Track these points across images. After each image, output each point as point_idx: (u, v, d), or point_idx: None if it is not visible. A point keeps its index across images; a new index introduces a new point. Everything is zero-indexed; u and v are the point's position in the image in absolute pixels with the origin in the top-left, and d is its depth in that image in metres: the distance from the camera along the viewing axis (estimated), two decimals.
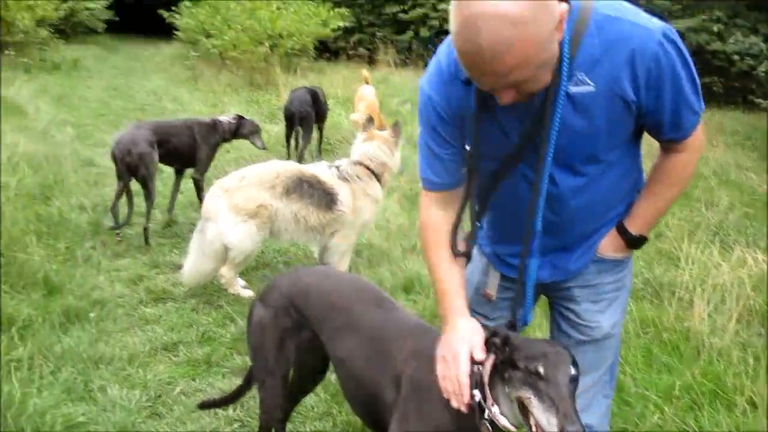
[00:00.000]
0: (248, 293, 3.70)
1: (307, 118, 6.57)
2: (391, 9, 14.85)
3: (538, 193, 1.49)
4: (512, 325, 1.62)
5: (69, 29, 16.70)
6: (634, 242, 1.66)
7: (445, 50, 1.53)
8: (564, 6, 1.23)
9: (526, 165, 1.51)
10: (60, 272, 3.60)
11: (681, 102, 1.44)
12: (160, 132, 4.55)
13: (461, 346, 1.48)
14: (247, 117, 4.94)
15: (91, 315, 3.27)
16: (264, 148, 5.18)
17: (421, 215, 1.70)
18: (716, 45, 12.38)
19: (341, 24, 13.10)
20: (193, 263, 3.62)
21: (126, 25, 21.00)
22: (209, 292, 3.72)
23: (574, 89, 1.38)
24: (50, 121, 7.55)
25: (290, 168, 3.75)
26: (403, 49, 14.61)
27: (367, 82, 7.79)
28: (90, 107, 9.28)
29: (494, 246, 1.77)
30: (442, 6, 13.79)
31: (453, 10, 1.22)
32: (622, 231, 1.64)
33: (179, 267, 3.96)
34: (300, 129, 6.62)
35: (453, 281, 1.61)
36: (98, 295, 3.49)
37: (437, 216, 1.65)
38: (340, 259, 3.86)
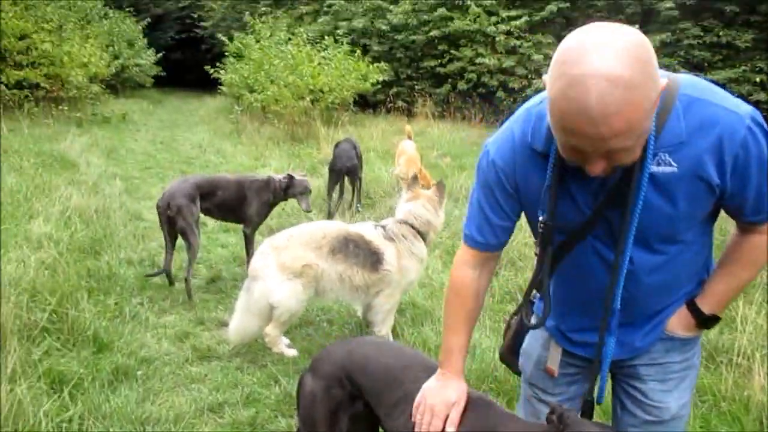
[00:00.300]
0: (292, 352, 3.70)
1: (353, 170, 6.82)
2: (429, 63, 15.10)
3: (618, 272, 1.47)
4: (588, 404, 1.59)
5: (119, 84, 17.44)
6: (706, 322, 1.61)
7: (520, 118, 1.54)
8: (665, 79, 1.23)
9: (596, 239, 1.50)
10: (109, 329, 3.65)
11: (766, 186, 1.41)
12: (204, 186, 4.66)
13: (442, 409, 1.63)
14: (298, 176, 4.98)
15: (139, 373, 3.30)
16: (308, 211, 5.17)
17: (453, 269, 1.74)
18: (760, 96, 12.23)
19: (380, 78, 13.37)
20: (239, 321, 3.64)
21: (172, 79, 21.86)
22: (254, 350, 3.72)
23: (656, 169, 1.37)
24: (100, 174, 7.80)
25: (337, 228, 3.78)
26: (440, 101, 14.80)
27: (410, 137, 7.87)
28: (137, 160, 9.59)
29: (557, 320, 1.74)
30: (479, 60, 13.99)
31: (556, 70, 1.19)
32: (694, 310, 1.60)
33: (224, 324, 3.99)
34: (347, 180, 6.92)
35: (461, 342, 1.71)
36: (145, 352, 3.53)
37: (469, 275, 1.69)
38: (384, 318, 3.84)
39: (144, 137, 11.88)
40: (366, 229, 3.81)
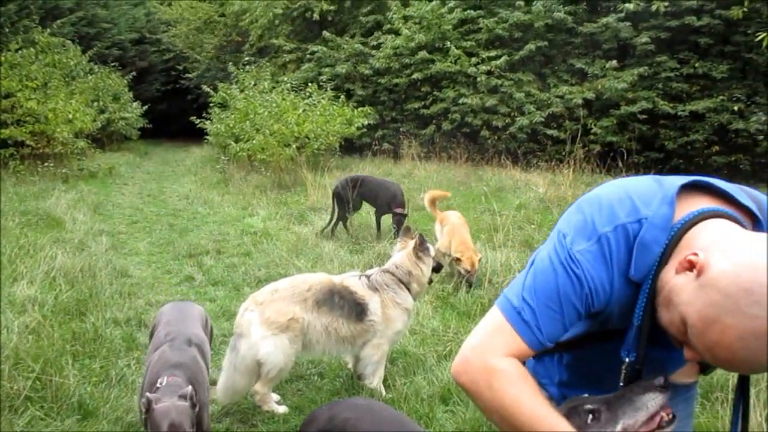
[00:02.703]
0: (282, 409, 3.62)
1: (339, 197, 7.64)
2: (413, 105, 15.32)
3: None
4: None
5: (105, 138, 17.50)
6: (707, 367, 1.60)
7: (615, 235, 1.35)
8: None
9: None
10: (94, 395, 3.57)
11: None
12: None
13: None
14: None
15: None
16: None
17: (494, 360, 1.37)
18: (739, 124, 12.45)
19: (365, 122, 13.51)
20: (227, 380, 3.57)
21: (159, 131, 21.99)
22: (243, 409, 3.64)
23: None
24: (86, 231, 7.74)
25: (321, 280, 3.75)
26: (426, 142, 14.95)
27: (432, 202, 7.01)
28: (124, 214, 9.54)
29: (567, 390, 1.66)
30: (461, 100, 14.20)
31: (746, 298, 1.11)
32: None
33: (213, 383, 3.92)
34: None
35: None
36: (132, 417, 3.43)
37: (518, 365, 1.38)
38: (374, 370, 3.79)
39: (131, 191, 11.86)
40: (351, 280, 3.80)
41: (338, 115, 12.95)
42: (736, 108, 12.68)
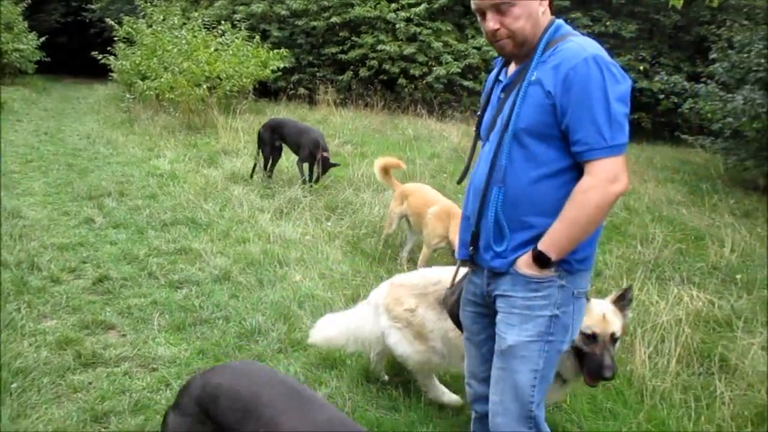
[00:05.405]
0: (453, 399, 3.14)
1: (262, 140, 7.50)
2: (331, 50, 14.96)
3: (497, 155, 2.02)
4: None
5: None
6: (538, 259, 1.87)
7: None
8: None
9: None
10: None
11: (585, 116, 1.77)
12: None
13: None
14: None
15: (13, 386, 3.04)
16: None
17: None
18: (643, 83, 12.98)
19: (281, 65, 13.10)
20: (331, 329, 3.27)
21: (59, 66, 20.53)
22: (143, 353, 3.53)
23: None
24: None
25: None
26: (343, 89, 14.71)
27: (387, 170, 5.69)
28: (17, 152, 8.89)
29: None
30: (380, 47, 14.00)
31: None
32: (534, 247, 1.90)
33: (110, 327, 3.79)
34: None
35: None
36: (21, 363, 3.25)
37: None
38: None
39: (26, 128, 11.06)
40: None
41: (252, 56, 12.46)
42: (641, 67, 13.20)
